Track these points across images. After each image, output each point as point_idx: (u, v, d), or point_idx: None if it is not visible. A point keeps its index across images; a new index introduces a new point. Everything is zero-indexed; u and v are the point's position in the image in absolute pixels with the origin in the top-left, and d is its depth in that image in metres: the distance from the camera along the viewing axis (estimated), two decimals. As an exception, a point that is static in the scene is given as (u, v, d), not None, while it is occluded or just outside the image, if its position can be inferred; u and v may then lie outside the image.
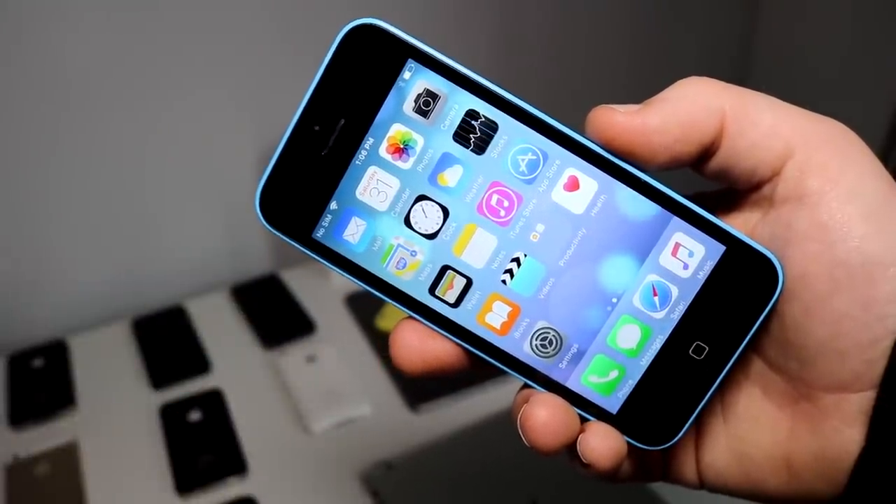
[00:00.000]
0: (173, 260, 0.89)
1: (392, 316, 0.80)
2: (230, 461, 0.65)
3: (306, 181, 0.24)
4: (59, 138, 0.78)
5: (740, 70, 1.14)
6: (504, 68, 0.97)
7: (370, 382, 0.73)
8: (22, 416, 0.71)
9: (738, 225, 0.24)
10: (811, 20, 1.05)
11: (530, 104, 0.23)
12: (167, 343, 0.79)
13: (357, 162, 0.24)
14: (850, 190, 0.21)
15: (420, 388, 0.71)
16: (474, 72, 0.23)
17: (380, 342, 0.78)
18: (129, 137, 0.81)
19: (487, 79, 0.23)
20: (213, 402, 0.71)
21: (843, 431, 0.21)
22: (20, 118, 0.76)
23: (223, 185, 0.89)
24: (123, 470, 0.65)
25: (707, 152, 0.22)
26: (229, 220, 0.91)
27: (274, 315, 0.82)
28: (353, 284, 0.87)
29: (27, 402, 0.72)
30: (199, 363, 0.76)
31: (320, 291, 0.86)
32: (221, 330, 0.81)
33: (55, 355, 0.78)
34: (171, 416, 0.70)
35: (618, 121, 0.22)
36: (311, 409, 0.69)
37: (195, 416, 0.69)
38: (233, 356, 0.78)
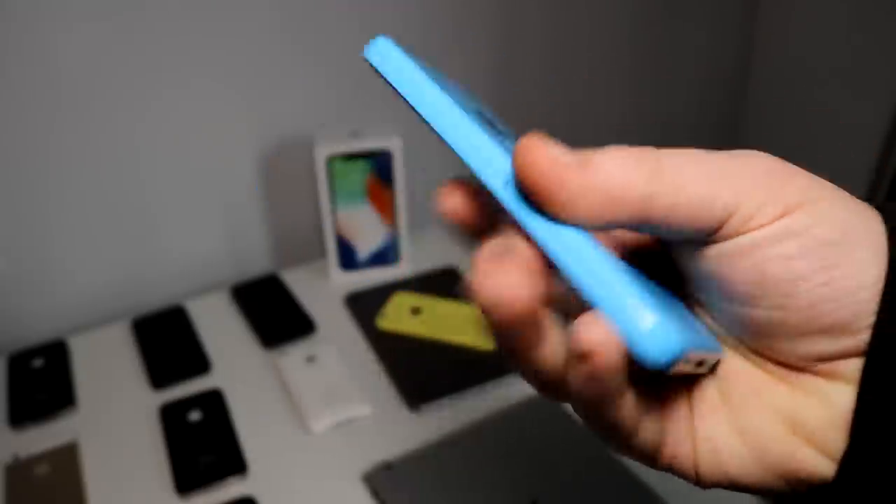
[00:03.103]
0: (173, 260, 0.89)
1: (392, 316, 0.80)
2: (230, 461, 0.65)
3: None
4: (59, 139, 0.78)
5: (740, 70, 1.14)
6: (504, 72, 0.98)
7: (370, 382, 0.73)
8: (22, 416, 0.71)
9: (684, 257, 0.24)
10: (811, 20, 1.05)
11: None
12: (167, 343, 0.79)
13: None
14: (786, 207, 0.21)
15: (420, 388, 0.71)
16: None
17: (380, 342, 0.78)
18: (129, 137, 0.81)
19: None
20: (213, 402, 0.71)
21: (848, 392, 0.22)
22: (20, 118, 0.76)
23: (223, 185, 0.89)
24: (123, 470, 0.65)
25: (635, 226, 0.22)
26: (229, 220, 0.91)
27: (274, 315, 0.82)
28: (353, 284, 0.87)
29: (27, 402, 0.72)
30: (199, 363, 0.76)
31: (320, 291, 0.86)
32: (221, 330, 0.81)
33: (55, 355, 0.78)
34: (171, 416, 0.70)
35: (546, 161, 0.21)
36: (311, 409, 0.69)
37: (195, 416, 0.69)
38: (233, 356, 0.78)
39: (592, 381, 0.20)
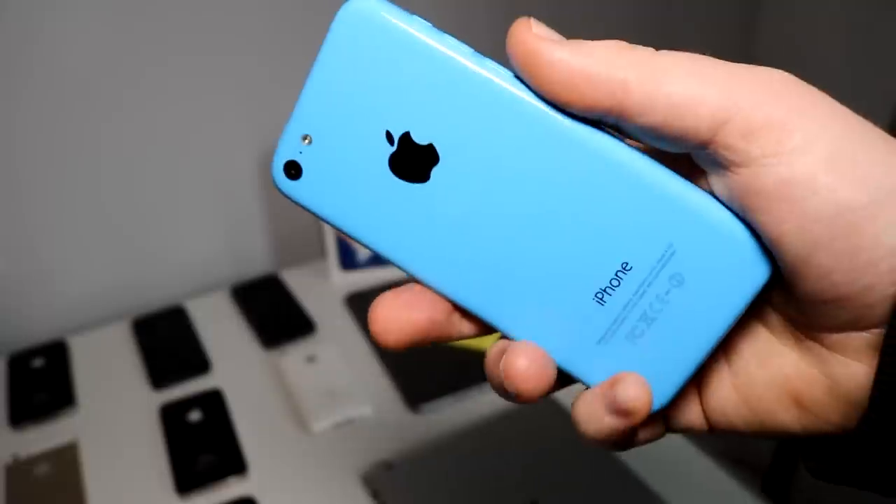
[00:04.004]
0: (173, 260, 0.89)
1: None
2: (230, 461, 0.65)
3: None
4: (59, 139, 0.78)
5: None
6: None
7: (370, 382, 0.73)
8: (22, 416, 0.71)
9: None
10: (811, 20, 1.04)
11: None
12: (167, 343, 0.79)
13: None
14: (805, 139, 0.19)
15: (420, 388, 0.71)
16: None
17: (380, 342, 0.78)
18: (129, 137, 0.81)
19: None
20: (213, 402, 0.71)
21: (852, 365, 0.21)
22: (20, 119, 0.76)
23: (223, 185, 0.89)
24: (123, 470, 0.65)
25: (613, 119, 0.21)
26: (229, 220, 0.91)
27: (274, 315, 0.82)
28: (353, 284, 0.87)
29: (27, 402, 0.72)
30: (199, 363, 0.76)
31: (320, 291, 0.86)
32: (221, 330, 0.81)
33: (55, 355, 0.78)
34: (171, 416, 0.70)
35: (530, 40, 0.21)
36: (311, 409, 0.69)
37: (195, 416, 0.69)
38: (233, 356, 0.78)
39: (621, 435, 0.23)
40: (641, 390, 0.22)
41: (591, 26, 1.01)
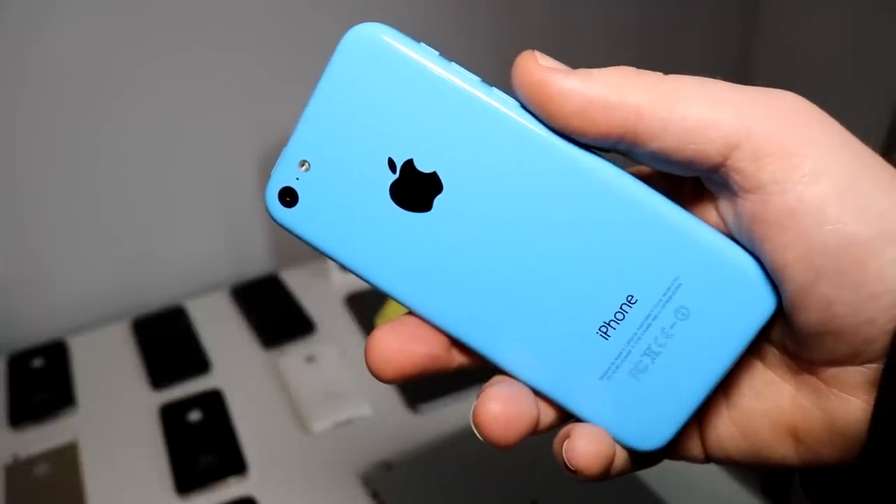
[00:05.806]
0: (173, 260, 0.89)
1: (392, 316, 0.80)
2: (230, 461, 0.65)
3: None
4: (59, 138, 0.78)
5: (741, 70, 1.14)
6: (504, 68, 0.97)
7: (370, 382, 0.72)
8: (22, 416, 0.71)
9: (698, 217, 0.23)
10: (811, 20, 1.04)
11: None
12: (167, 343, 0.79)
13: None
14: (815, 169, 0.19)
15: (420, 388, 0.71)
16: None
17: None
18: (129, 137, 0.81)
19: None
20: (213, 402, 0.71)
21: (849, 401, 0.21)
22: (20, 119, 0.76)
23: (223, 184, 0.89)
24: (123, 470, 0.65)
25: (625, 145, 0.21)
26: (229, 220, 0.91)
27: (274, 315, 0.82)
28: (353, 284, 0.87)
29: (27, 402, 0.72)
30: (199, 363, 0.76)
31: (320, 291, 0.86)
32: (221, 330, 0.81)
33: (55, 355, 0.78)
34: (171, 416, 0.70)
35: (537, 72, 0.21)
36: (311, 409, 0.69)
37: (195, 416, 0.69)
38: (233, 356, 0.78)
39: (588, 480, 0.23)
40: (591, 447, 0.22)
41: (593, 28, 1.01)
